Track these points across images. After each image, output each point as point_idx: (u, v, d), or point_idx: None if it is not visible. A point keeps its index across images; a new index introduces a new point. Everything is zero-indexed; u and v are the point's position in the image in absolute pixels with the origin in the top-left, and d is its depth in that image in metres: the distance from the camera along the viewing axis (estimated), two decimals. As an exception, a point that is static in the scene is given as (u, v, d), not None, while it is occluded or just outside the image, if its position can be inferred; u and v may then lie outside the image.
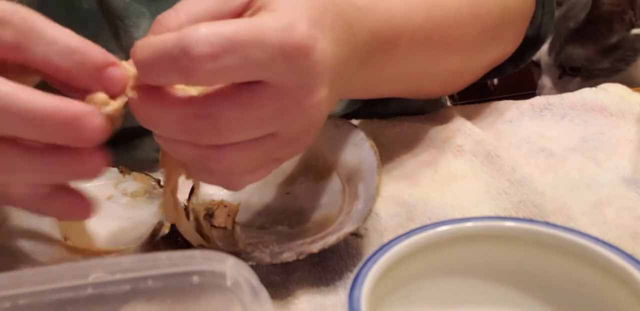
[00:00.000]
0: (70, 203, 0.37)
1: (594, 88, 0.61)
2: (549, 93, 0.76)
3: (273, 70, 0.35)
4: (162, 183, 0.44)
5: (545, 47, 1.15)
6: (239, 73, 0.35)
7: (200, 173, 0.40)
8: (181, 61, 0.34)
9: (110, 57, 0.36)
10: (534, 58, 1.18)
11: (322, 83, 0.37)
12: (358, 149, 0.49)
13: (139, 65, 0.35)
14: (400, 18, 0.47)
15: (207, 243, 0.45)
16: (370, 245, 0.46)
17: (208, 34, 0.33)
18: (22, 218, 0.48)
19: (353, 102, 0.63)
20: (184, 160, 0.40)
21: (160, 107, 0.36)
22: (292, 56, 0.35)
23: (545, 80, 1.18)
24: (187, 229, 0.44)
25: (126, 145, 0.40)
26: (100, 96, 0.36)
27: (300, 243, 0.44)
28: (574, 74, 1.14)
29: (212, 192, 0.51)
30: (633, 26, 1.08)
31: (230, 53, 0.34)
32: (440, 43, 0.51)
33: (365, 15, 0.43)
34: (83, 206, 0.37)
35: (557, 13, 1.13)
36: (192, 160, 0.39)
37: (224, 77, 0.35)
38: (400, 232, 0.37)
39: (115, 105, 0.36)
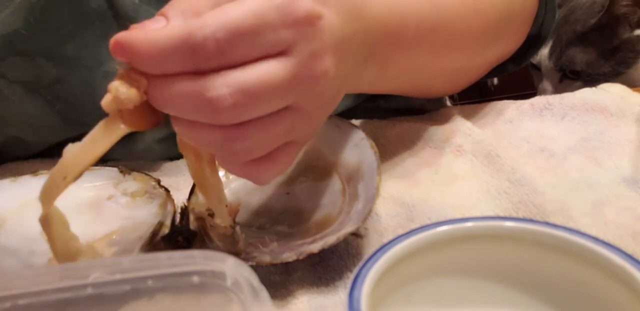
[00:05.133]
0: None
1: (593, 88, 0.61)
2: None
3: (283, 44, 0.36)
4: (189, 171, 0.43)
5: (545, 51, 1.15)
6: (250, 55, 0.35)
7: (226, 159, 0.39)
8: (191, 59, 0.35)
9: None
10: (534, 62, 1.18)
11: (330, 51, 0.37)
12: (358, 149, 0.49)
13: (140, 59, 0.35)
14: (405, 5, 0.47)
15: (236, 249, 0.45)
16: (370, 245, 0.46)
17: (213, 29, 0.34)
18: (22, 219, 0.48)
19: (357, 96, 0.63)
20: (207, 148, 0.40)
21: (172, 86, 0.36)
22: (299, 27, 0.36)
23: (546, 84, 1.18)
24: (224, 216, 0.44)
25: (126, 139, 0.39)
26: (115, 83, 0.36)
27: (300, 243, 0.44)
28: (575, 78, 1.14)
29: (212, 192, 0.51)
30: (639, 26, 1.08)
31: (238, 42, 0.35)
32: (445, 38, 0.51)
33: None
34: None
35: (557, 16, 1.13)
36: (215, 145, 0.38)
37: (236, 63, 0.35)
38: (400, 232, 0.37)
39: (129, 90, 0.36)
